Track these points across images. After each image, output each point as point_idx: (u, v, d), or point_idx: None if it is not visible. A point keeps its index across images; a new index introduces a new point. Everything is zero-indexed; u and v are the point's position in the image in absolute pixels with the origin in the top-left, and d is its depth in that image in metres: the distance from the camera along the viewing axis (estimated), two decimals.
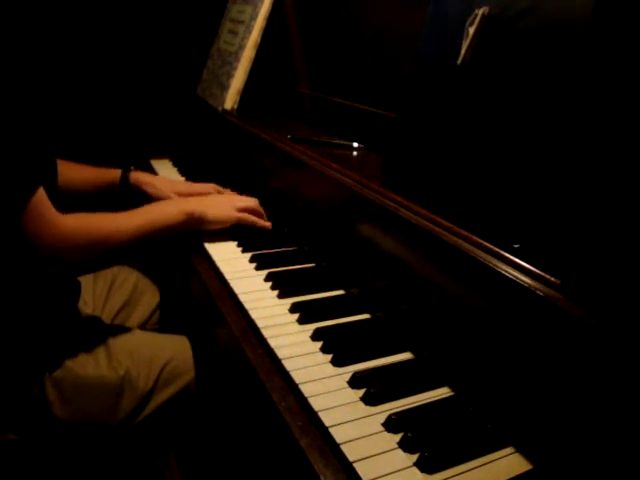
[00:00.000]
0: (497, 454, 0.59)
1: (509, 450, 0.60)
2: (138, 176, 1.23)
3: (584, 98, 0.59)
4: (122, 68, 1.87)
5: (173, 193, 1.19)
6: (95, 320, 1.12)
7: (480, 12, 0.73)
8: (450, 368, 0.70)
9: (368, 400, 0.65)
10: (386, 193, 0.82)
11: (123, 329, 1.08)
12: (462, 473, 0.56)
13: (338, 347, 0.75)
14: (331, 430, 0.60)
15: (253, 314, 0.82)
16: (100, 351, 0.97)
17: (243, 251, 1.04)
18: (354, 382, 0.68)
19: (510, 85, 0.69)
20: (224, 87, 1.51)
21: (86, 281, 1.19)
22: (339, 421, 0.61)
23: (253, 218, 1.10)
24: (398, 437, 0.60)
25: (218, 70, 1.61)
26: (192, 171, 1.52)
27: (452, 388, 0.69)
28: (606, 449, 0.50)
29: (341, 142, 1.19)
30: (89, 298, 1.20)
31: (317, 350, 0.75)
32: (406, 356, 0.76)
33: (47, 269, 0.91)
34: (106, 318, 1.18)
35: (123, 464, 1.02)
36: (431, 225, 0.72)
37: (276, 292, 0.89)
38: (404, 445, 0.59)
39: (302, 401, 0.66)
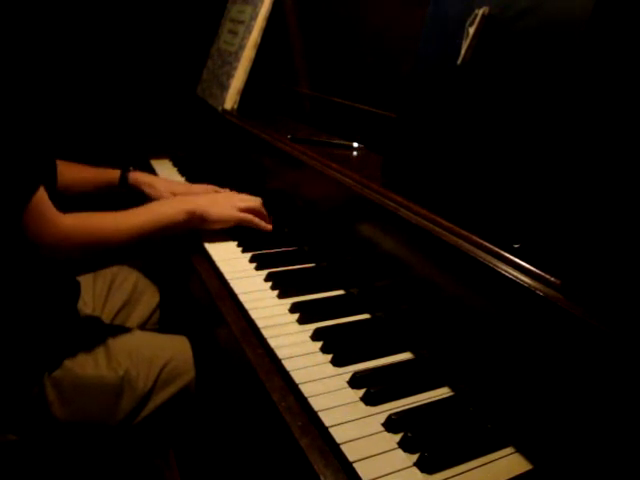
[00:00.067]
0: (497, 454, 0.59)
1: (509, 450, 0.60)
2: (137, 176, 1.23)
3: (584, 98, 0.59)
4: (122, 68, 1.87)
5: (171, 194, 1.19)
6: (95, 320, 1.12)
7: (480, 12, 0.73)
8: (450, 368, 0.70)
9: (368, 400, 0.65)
10: (386, 193, 0.82)
11: (123, 329, 1.08)
12: (462, 473, 0.56)
13: (338, 347, 0.75)
14: (331, 430, 0.60)
15: (253, 314, 0.82)
16: (99, 351, 0.97)
17: (243, 251, 1.04)
18: (354, 382, 0.68)
19: (510, 85, 0.69)
20: (224, 87, 1.51)
21: (86, 281, 1.19)
22: (339, 421, 0.61)
23: (255, 220, 1.09)
24: (398, 437, 0.60)
25: (218, 70, 1.61)
26: (192, 171, 1.52)
27: (452, 388, 0.69)
28: (606, 449, 0.50)
29: (341, 142, 1.19)
30: (89, 298, 1.20)
31: (317, 350, 0.75)
32: (406, 356, 0.76)
33: (46, 269, 0.91)
34: (106, 318, 1.18)
35: (123, 464, 1.02)
36: (431, 225, 0.72)
37: (276, 292, 0.89)
38: (404, 445, 0.59)
39: (302, 401, 0.66)
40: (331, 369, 0.71)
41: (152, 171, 1.50)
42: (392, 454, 0.58)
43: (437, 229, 0.71)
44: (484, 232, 0.66)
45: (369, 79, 1.22)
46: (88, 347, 0.97)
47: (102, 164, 1.25)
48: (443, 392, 0.69)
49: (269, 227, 1.11)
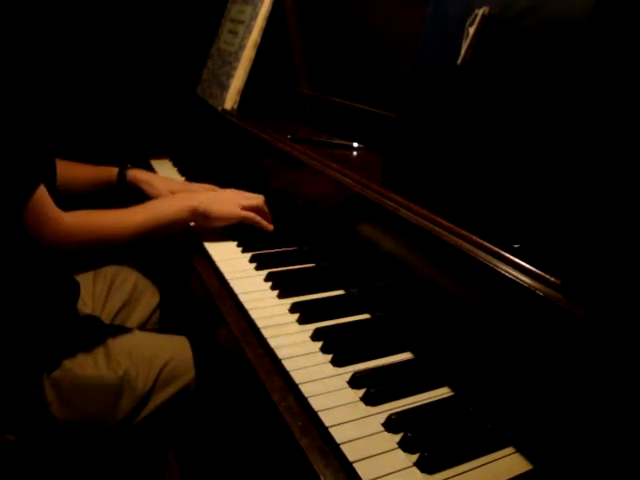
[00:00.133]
0: (497, 454, 0.59)
1: (509, 450, 0.60)
2: (135, 174, 1.22)
3: (584, 98, 0.59)
4: (122, 68, 1.87)
5: (170, 192, 1.19)
6: (94, 320, 1.11)
7: (480, 12, 0.73)
8: (450, 368, 0.70)
9: (368, 400, 0.65)
10: (386, 193, 0.82)
11: (122, 329, 1.08)
12: (462, 473, 0.56)
13: (338, 347, 0.75)
14: (331, 430, 0.60)
15: (253, 314, 0.82)
16: (99, 351, 0.97)
17: (243, 251, 1.04)
18: (354, 382, 0.68)
19: (510, 85, 0.69)
20: (224, 87, 1.51)
21: (85, 281, 1.19)
22: (339, 421, 0.61)
23: (257, 218, 1.09)
24: (398, 437, 0.60)
25: (218, 70, 1.61)
26: (192, 171, 1.52)
27: (452, 388, 0.69)
28: (606, 449, 0.50)
29: (341, 142, 1.19)
30: (88, 298, 1.20)
31: (317, 350, 0.75)
32: (406, 356, 0.76)
33: (46, 269, 0.91)
34: (106, 318, 1.18)
35: (123, 464, 1.02)
36: (431, 225, 0.72)
37: (276, 292, 0.89)
38: (404, 445, 0.59)
39: (302, 401, 0.65)
40: (331, 369, 0.71)
41: (152, 171, 1.49)
42: (392, 454, 0.58)
43: (437, 229, 0.71)
44: (484, 232, 0.66)
45: (369, 79, 1.22)
46: (88, 347, 0.97)
47: (102, 164, 1.25)
48: (443, 392, 0.69)
49: (271, 227, 1.11)
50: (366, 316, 0.85)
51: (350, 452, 0.57)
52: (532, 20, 0.67)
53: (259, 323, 0.80)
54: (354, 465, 0.56)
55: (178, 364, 1.01)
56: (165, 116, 1.86)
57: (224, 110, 1.48)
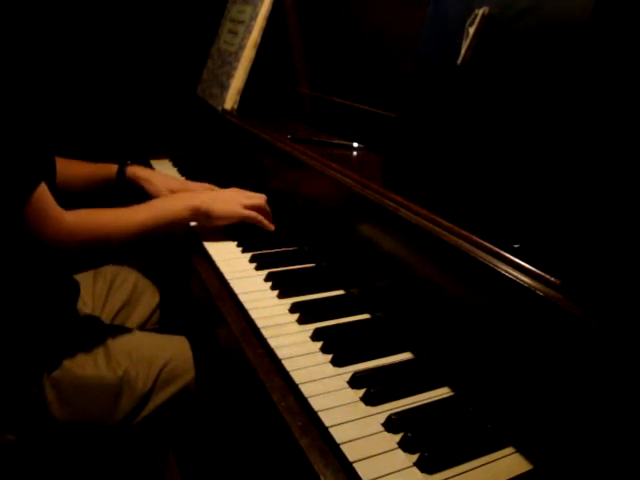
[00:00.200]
0: (497, 454, 0.59)
1: (509, 450, 0.60)
2: (135, 170, 1.22)
3: (584, 98, 0.59)
4: (122, 68, 1.87)
5: (169, 191, 1.19)
6: (94, 320, 1.11)
7: (480, 12, 0.73)
8: (450, 368, 0.70)
9: (368, 400, 0.65)
10: (386, 193, 0.82)
11: (122, 329, 1.08)
12: (462, 473, 0.56)
13: (338, 347, 0.75)
14: (331, 430, 0.60)
15: (253, 314, 0.82)
16: (99, 351, 0.97)
17: (243, 251, 1.04)
18: (354, 382, 0.68)
19: (510, 85, 0.69)
20: (224, 87, 1.51)
21: (85, 281, 1.19)
22: (339, 421, 0.61)
23: (259, 217, 1.09)
24: (398, 437, 0.60)
25: (218, 70, 1.61)
26: (192, 171, 1.52)
27: (452, 388, 0.69)
28: (606, 449, 0.50)
29: (341, 142, 1.19)
30: (88, 298, 1.20)
31: (317, 350, 0.75)
32: (406, 356, 0.76)
33: (46, 268, 0.91)
34: (106, 318, 1.18)
35: (123, 464, 1.02)
36: (431, 225, 0.72)
37: (276, 292, 0.89)
38: (404, 445, 0.59)
39: (302, 401, 0.65)
40: (331, 369, 0.71)
41: None
42: (392, 454, 0.58)
43: (437, 229, 0.71)
44: (484, 232, 0.66)
45: (369, 79, 1.22)
46: (87, 347, 0.97)
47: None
48: (443, 392, 0.68)
49: (272, 226, 1.10)
50: (366, 316, 0.85)
51: (350, 452, 0.57)
52: (532, 20, 0.67)
53: (259, 323, 0.80)
54: (354, 465, 0.56)
55: (178, 364, 1.01)
56: (165, 116, 1.86)
57: (224, 110, 1.48)
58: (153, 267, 1.40)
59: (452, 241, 0.68)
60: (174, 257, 1.17)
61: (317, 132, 1.29)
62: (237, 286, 0.90)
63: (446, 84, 0.79)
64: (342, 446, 0.58)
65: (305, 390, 0.66)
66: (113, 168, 1.22)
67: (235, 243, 1.07)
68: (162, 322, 1.28)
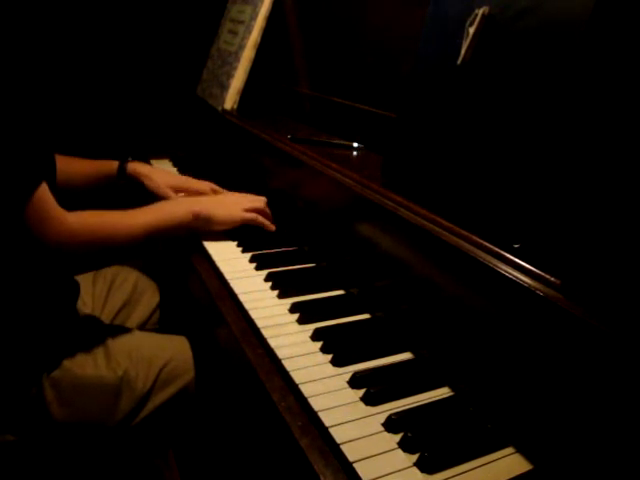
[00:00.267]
0: (497, 454, 0.59)
1: (509, 450, 0.60)
2: (135, 167, 1.22)
3: (584, 98, 0.59)
4: (122, 68, 1.87)
5: (169, 188, 1.19)
6: (94, 320, 1.11)
7: (480, 12, 0.73)
8: (450, 368, 0.70)
9: (368, 400, 0.65)
10: (386, 193, 0.82)
11: (122, 329, 1.08)
12: (462, 473, 0.56)
13: (338, 347, 0.75)
14: (331, 430, 0.60)
15: (253, 314, 0.82)
16: (99, 351, 0.97)
17: (243, 251, 1.04)
18: (354, 382, 0.68)
19: (510, 85, 0.69)
20: (224, 87, 1.51)
21: (85, 281, 1.19)
22: (339, 421, 0.61)
23: (260, 218, 1.09)
24: (398, 437, 0.60)
25: (218, 70, 1.61)
26: (192, 171, 1.51)
27: (452, 388, 0.69)
28: (606, 449, 0.50)
29: (341, 142, 1.19)
30: (88, 298, 1.20)
31: (317, 350, 0.75)
32: (406, 356, 0.76)
33: (46, 268, 0.91)
34: (106, 318, 1.18)
35: (122, 464, 1.02)
36: (431, 225, 0.72)
37: (276, 292, 0.89)
38: (404, 445, 0.59)
39: (302, 401, 0.65)
40: (331, 369, 0.71)
41: None
42: (392, 454, 0.58)
43: (437, 229, 0.71)
44: (484, 232, 0.66)
45: (369, 79, 1.22)
46: (87, 347, 0.97)
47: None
48: (443, 392, 0.68)
49: (273, 227, 1.11)
50: (366, 316, 0.85)
51: (350, 452, 0.57)
52: (532, 20, 0.67)
53: (259, 323, 0.80)
54: (354, 465, 0.56)
55: (178, 364, 1.01)
56: (165, 116, 1.86)
57: (224, 110, 1.48)
58: (153, 267, 1.40)
59: (452, 241, 0.68)
60: (174, 257, 1.17)
61: (317, 132, 1.29)
62: (237, 286, 0.90)
63: (446, 84, 0.79)
64: (342, 446, 0.58)
65: (305, 390, 0.66)
66: (114, 165, 1.22)
67: (235, 243, 1.07)
68: (162, 322, 1.28)
